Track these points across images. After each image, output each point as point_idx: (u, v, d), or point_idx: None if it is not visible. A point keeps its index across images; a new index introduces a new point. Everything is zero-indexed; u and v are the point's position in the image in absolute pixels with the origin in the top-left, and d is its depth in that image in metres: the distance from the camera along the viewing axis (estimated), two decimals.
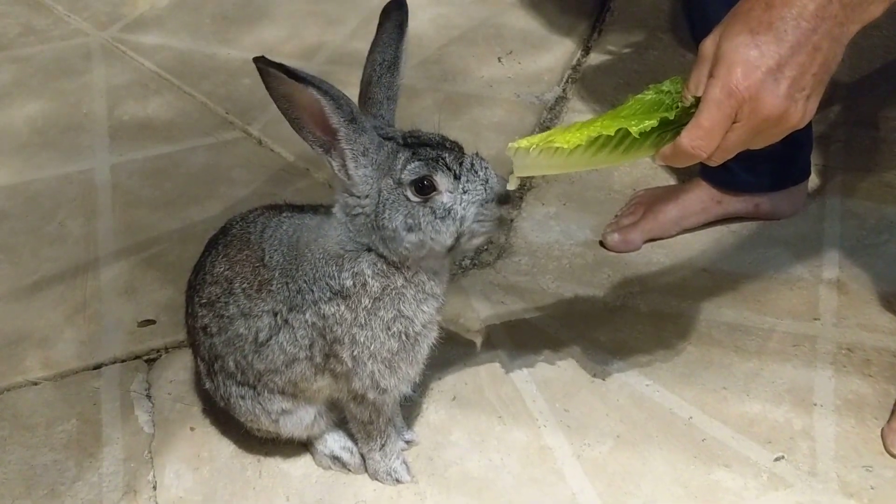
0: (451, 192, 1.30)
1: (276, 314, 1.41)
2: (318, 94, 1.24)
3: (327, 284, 1.37)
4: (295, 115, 1.28)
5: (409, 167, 1.29)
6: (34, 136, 2.52)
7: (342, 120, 1.27)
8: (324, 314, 1.38)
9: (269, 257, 1.42)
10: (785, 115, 1.20)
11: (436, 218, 1.30)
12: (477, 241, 1.36)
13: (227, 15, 3.03)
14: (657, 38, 2.77)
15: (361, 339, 1.39)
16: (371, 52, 1.38)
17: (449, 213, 1.30)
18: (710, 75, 1.21)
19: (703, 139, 1.23)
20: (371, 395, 1.46)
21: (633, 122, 1.24)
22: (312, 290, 1.38)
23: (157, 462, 1.66)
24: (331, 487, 1.60)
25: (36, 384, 1.82)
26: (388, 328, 1.39)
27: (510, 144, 1.28)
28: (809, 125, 2.05)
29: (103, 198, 2.29)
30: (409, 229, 1.31)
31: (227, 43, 2.88)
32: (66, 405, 1.77)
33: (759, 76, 1.17)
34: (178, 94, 2.65)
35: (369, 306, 1.37)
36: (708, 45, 1.23)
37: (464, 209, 1.31)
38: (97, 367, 1.85)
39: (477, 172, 1.31)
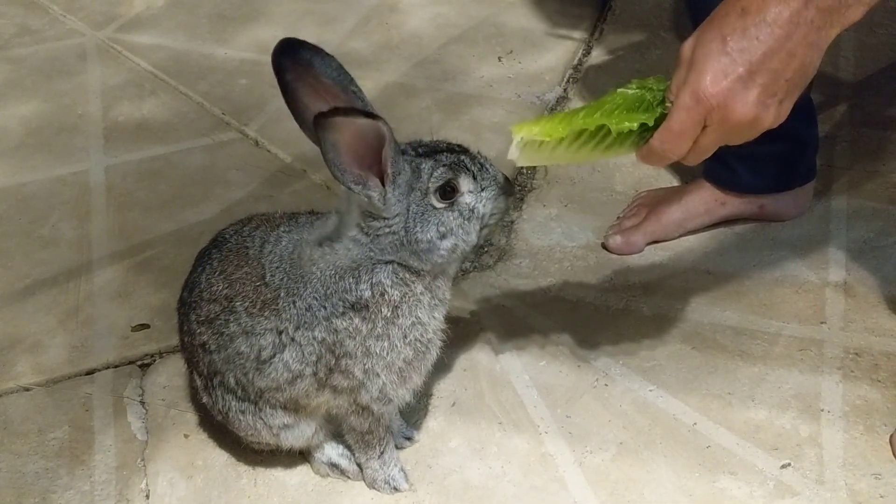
0: (471, 192, 1.35)
1: (280, 333, 1.38)
2: (385, 128, 1.22)
3: (342, 299, 1.35)
4: (341, 159, 1.24)
5: (435, 174, 1.31)
6: (28, 138, 2.48)
7: (394, 146, 1.27)
8: (335, 329, 1.36)
9: (271, 276, 1.40)
10: (756, 120, 1.21)
11: (464, 220, 1.34)
12: (487, 234, 1.41)
13: (223, 14, 3.00)
14: (659, 37, 2.74)
15: (377, 350, 1.37)
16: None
17: (473, 212, 1.35)
18: (684, 80, 1.22)
19: (672, 142, 1.25)
20: (376, 407, 1.44)
21: (614, 120, 1.27)
22: (324, 307, 1.36)
23: (150, 470, 1.63)
24: (327, 496, 1.57)
25: (27, 390, 1.79)
26: (405, 336, 1.38)
27: (511, 127, 1.33)
28: (815, 125, 2.04)
29: (97, 200, 2.25)
30: (443, 236, 1.34)
31: (223, 43, 2.85)
32: (58, 412, 1.74)
33: (727, 84, 1.18)
34: (174, 94, 2.62)
35: (388, 315, 1.36)
36: (686, 48, 1.24)
37: (484, 206, 1.36)
38: (90, 372, 1.81)
39: (487, 169, 1.37)
